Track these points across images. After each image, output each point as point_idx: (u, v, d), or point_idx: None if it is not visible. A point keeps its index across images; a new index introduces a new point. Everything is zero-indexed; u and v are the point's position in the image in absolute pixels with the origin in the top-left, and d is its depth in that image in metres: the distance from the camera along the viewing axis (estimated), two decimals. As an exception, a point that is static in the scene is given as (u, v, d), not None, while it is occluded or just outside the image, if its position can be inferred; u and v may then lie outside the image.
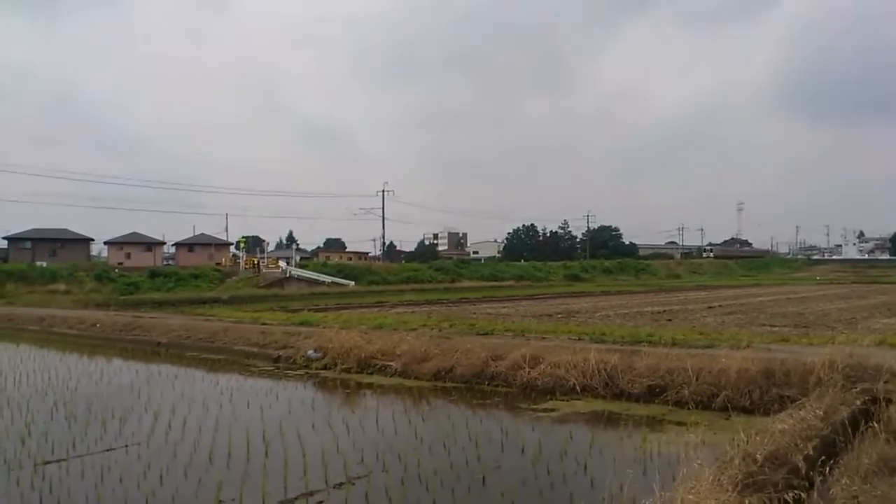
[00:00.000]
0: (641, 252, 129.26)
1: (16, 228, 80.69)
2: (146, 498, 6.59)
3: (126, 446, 8.72)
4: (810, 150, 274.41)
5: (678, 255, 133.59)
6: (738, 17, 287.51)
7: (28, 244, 77.64)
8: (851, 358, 10.06)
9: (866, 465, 5.94)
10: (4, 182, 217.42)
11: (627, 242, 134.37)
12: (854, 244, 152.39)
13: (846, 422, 7.50)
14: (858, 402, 8.48)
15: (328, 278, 60.37)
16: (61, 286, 49.10)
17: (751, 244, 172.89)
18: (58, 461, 8.02)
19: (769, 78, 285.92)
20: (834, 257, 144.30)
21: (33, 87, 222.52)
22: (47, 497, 6.74)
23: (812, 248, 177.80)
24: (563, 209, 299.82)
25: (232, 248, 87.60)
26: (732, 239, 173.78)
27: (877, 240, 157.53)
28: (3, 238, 79.85)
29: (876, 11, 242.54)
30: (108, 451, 8.51)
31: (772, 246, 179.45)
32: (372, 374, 14.12)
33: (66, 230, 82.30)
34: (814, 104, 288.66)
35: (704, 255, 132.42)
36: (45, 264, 58.89)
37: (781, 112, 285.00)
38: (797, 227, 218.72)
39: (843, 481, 5.51)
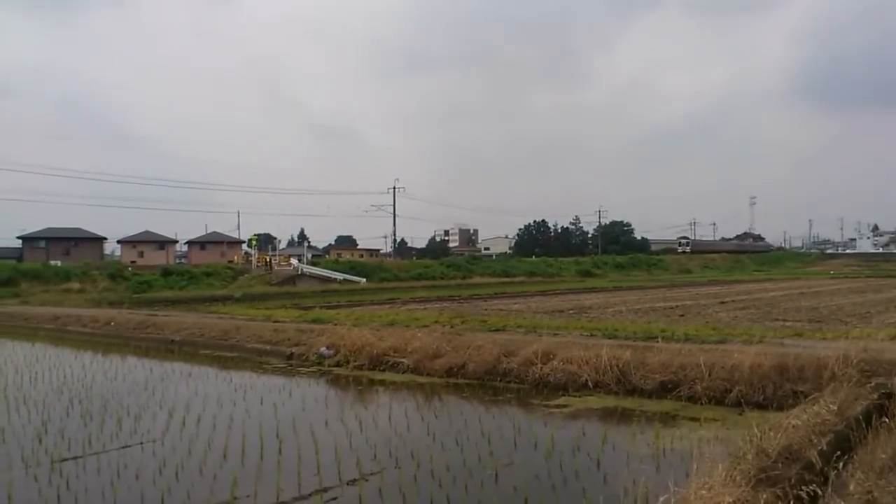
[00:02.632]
0: (653, 247, 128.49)
1: (30, 228, 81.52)
2: (162, 494, 6.64)
3: (141, 443, 8.79)
4: (823, 142, 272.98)
5: (688, 250, 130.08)
6: (749, 9, 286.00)
7: (42, 243, 78.30)
8: (866, 352, 10.02)
9: (881, 461, 5.91)
10: (18, 181, 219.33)
11: (639, 237, 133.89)
12: (868, 238, 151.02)
13: (861, 417, 7.46)
14: (874, 397, 8.43)
15: (340, 276, 60.55)
16: (75, 285, 49.47)
17: (763, 238, 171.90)
18: (74, 458, 8.10)
19: (781, 69, 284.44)
20: (848, 251, 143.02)
21: (46, 87, 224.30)
22: (64, 494, 6.80)
23: (826, 241, 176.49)
24: (575, 204, 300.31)
25: (244, 246, 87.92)
26: (745, 233, 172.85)
27: (891, 233, 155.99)
28: (18, 237, 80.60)
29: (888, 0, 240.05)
30: (123, 448, 8.58)
31: (785, 240, 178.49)
32: (384, 370, 14.16)
33: (79, 229, 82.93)
34: (826, 95, 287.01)
35: (680, 250, 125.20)
36: (59, 263, 59.40)
37: (794, 104, 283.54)
38: (810, 220, 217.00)
39: (858, 476, 5.48)
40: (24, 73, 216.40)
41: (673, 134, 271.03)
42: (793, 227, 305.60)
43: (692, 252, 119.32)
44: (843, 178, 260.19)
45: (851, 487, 5.31)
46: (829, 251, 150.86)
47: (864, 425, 7.21)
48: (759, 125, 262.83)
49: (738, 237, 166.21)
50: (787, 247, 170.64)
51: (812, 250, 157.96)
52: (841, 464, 5.90)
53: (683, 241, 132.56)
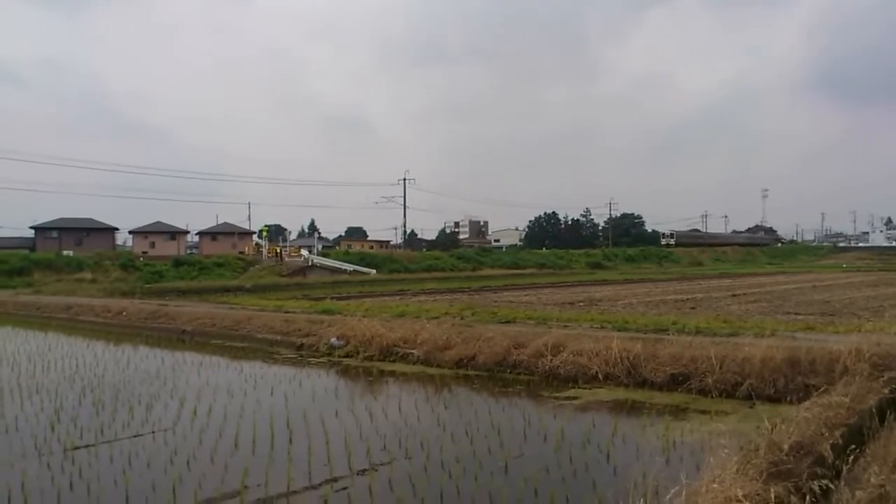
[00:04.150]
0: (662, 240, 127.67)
1: (42, 218, 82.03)
2: (173, 483, 6.67)
3: (153, 432, 8.84)
4: (836, 134, 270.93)
5: (672, 242, 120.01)
6: (762, 1, 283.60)
7: (55, 233, 78.79)
8: (879, 346, 9.94)
9: (894, 455, 5.87)
10: (31, 172, 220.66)
11: (650, 230, 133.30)
12: (881, 231, 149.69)
13: (873, 411, 7.41)
14: (886, 391, 8.37)
15: (350, 267, 60.61)
16: (87, 275, 49.80)
17: (775, 231, 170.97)
18: (87, 446, 8.16)
19: (794, 62, 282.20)
20: (860, 244, 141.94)
21: (59, 79, 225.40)
22: (77, 482, 6.85)
23: (838, 235, 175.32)
24: (585, 197, 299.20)
25: (255, 237, 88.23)
26: (757, 226, 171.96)
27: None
28: (31, 228, 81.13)
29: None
30: (135, 436, 8.63)
31: (797, 233, 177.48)
32: (394, 361, 14.18)
33: (91, 220, 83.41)
34: (840, 87, 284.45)
35: (664, 242, 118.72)
36: (71, 253, 59.76)
37: (807, 96, 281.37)
38: (823, 213, 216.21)
39: (871, 470, 5.44)
40: (36, 65, 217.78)
41: (685, 126, 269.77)
42: (805, 220, 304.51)
43: (676, 245, 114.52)
44: (856, 171, 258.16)
45: (864, 481, 5.27)
46: (841, 244, 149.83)
47: (876, 419, 7.17)
48: (772, 118, 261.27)
49: (749, 230, 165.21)
50: (800, 240, 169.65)
51: (824, 243, 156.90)
52: (853, 458, 5.86)
53: (669, 234, 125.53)
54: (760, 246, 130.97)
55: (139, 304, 26.76)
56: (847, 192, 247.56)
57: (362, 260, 65.98)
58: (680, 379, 10.78)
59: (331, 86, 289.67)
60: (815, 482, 5.18)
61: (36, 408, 10.41)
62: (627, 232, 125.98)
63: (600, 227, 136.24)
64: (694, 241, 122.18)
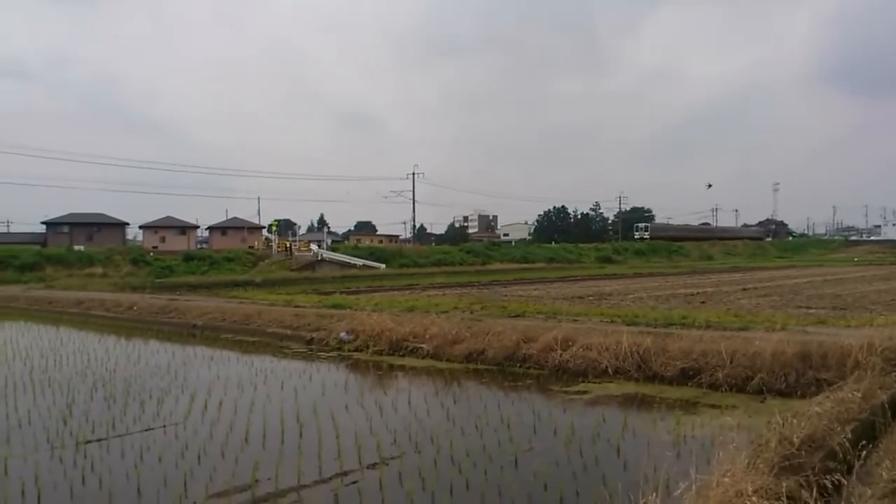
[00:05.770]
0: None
1: (53, 213, 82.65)
2: (184, 477, 6.70)
3: (164, 426, 8.87)
4: (849, 127, 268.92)
5: (646, 236, 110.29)
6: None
7: (66, 229, 79.36)
8: (891, 340, 9.86)
9: (906, 449, 5.84)
10: (42, 168, 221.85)
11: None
12: (894, 224, 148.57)
13: (885, 405, 7.37)
14: (898, 386, 8.32)
15: (359, 261, 60.72)
16: (98, 270, 50.10)
17: (786, 224, 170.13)
18: (98, 441, 8.19)
19: (806, 53, 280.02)
20: (872, 238, 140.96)
21: (70, 74, 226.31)
22: (89, 476, 6.89)
23: (850, 228, 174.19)
24: (595, 191, 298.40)
25: (264, 232, 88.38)
26: (768, 220, 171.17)
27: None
28: (42, 223, 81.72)
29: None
30: (146, 431, 8.67)
31: (808, 226, 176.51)
32: (404, 356, 14.19)
33: (102, 215, 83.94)
34: (851, 80, 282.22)
35: (637, 235, 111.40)
36: (82, 248, 60.13)
37: (819, 89, 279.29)
38: (834, 206, 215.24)
39: (883, 465, 5.42)
40: (47, 60, 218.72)
41: (696, 120, 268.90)
42: (817, 213, 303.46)
43: (651, 238, 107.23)
44: (868, 165, 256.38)
45: (876, 476, 5.25)
46: (853, 238, 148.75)
47: (889, 414, 7.13)
48: (784, 111, 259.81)
49: (760, 223, 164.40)
50: (811, 233, 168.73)
51: (836, 237, 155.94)
52: (865, 452, 5.83)
53: (644, 227, 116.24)
54: (753, 240, 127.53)
55: (150, 299, 26.86)
56: (859, 186, 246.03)
57: (371, 254, 66.07)
58: (690, 373, 10.74)
59: (340, 80, 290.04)
60: (827, 477, 5.16)
61: (48, 402, 10.47)
62: (637, 226, 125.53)
63: (610, 221, 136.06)
64: (669, 234, 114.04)
